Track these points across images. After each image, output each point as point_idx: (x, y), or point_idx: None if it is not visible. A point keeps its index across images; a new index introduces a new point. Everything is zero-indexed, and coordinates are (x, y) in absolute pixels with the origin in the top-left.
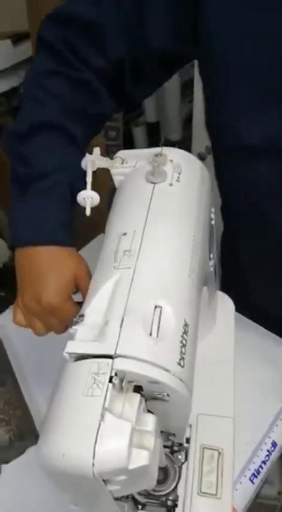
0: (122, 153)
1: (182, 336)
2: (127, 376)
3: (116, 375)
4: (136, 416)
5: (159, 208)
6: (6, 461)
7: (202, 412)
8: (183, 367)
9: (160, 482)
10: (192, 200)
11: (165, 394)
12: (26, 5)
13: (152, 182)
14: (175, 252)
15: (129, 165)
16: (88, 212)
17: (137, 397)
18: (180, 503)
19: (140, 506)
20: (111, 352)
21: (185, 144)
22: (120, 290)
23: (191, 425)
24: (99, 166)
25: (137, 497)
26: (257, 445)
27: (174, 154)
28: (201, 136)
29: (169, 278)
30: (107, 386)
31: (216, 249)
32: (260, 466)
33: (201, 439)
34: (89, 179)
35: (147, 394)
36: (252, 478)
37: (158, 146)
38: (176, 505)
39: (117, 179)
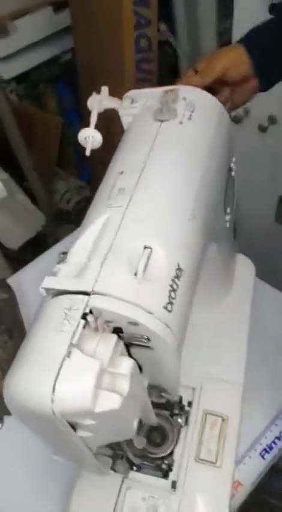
0: (132, 93)
1: (173, 280)
2: (104, 314)
3: (91, 312)
4: (110, 357)
5: (164, 146)
6: (9, 413)
7: (209, 376)
8: (170, 312)
9: (157, 445)
10: (204, 141)
11: (145, 337)
12: None
13: (159, 120)
14: (175, 193)
15: (138, 104)
16: (88, 152)
17: (114, 338)
18: (176, 468)
19: (134, 468)
20: (88, 289)
21: None
22: (109, 229)
23: (194, 389)
24: (107, 107)
25: (132, 457)
26: (272, 419)
27: (188, 92)
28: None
29: (164, 219)
30: (78, 323)
31: (238, 208)
32: (273, 442)
33: (205, 404)
34: (93, 119)
35: (127, 337)
36: (263, 454)
37: None
38: (170, 469)
39: (125, 121)
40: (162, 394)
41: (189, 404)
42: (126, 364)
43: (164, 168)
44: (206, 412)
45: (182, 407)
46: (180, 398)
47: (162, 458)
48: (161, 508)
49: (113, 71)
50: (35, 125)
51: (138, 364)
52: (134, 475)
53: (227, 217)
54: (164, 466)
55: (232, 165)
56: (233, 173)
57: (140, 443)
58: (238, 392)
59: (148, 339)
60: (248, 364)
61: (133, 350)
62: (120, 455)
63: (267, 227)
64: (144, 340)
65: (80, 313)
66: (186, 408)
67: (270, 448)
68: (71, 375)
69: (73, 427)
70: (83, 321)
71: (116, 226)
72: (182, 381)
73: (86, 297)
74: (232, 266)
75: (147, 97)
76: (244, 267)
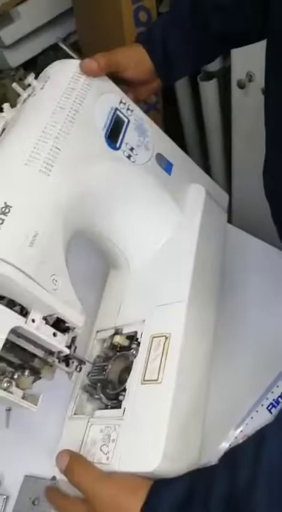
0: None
1: None
2: None
3: None
4: None
5: (13, 123)
6: None
7: (156, 303)
8: None
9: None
10: (52, 101)
11: None
12: None
13: (22, 103)
14: (8, 150)
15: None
16: None
17: None
18: (127, 396)
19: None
20: None
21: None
22: None
23: (144, 320)
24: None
25: (105, 401)
26: (278, 374)
27: (49, 68)
28: (241, 63)
29: None
30: None
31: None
32: (280, 396)
33: (152, 330)
34: None
35: None
36: (270, 408)
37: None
38: (119, 399)
39: None
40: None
41: (141, 335)
42: None
43: (6, 138)
44: (152, 336)
45: (137, 340)
46: (136, 332)
47: (121, 391)
48: (113, 434)
49: (114, 46)
50: None
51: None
52: (97, 413)
53: (126, 153)
54: (120, 398)
55: (123, 107)
56: (127, 114)
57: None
58: (181, 309)
59: None
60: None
61: None
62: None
63: None
64: None
65: None
66: (139, 340)
67: (277, 402)
68: None
69: None
70: None
71: None
72: (133, 316)
73: None
74: (178, 199)
75: None
76: (196, 195)
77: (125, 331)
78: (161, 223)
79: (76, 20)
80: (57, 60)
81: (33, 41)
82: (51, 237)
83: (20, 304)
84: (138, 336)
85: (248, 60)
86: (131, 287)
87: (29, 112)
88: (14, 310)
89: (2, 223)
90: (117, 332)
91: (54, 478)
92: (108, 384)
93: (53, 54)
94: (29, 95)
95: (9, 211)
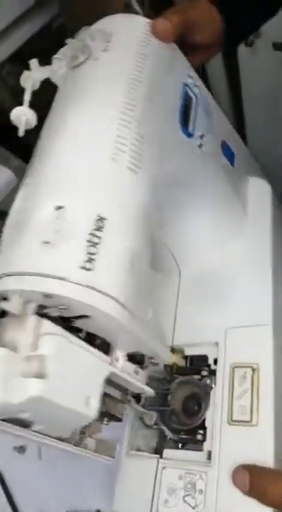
0: (59, 52)
1: (92, 234)
2: (17, 296)
3: (5, 299)
4: (28, 341)
5: (76, 94)
6: None
7: (231, 324)
8: (91, 270)
9: (194, 414)
10: (125, 69)
11: (63, 307)
12: None
13: (73, 67)
14: (88, 139)
15: (64, 61)
16: (21, 133)
17: (30, 319)
18: (209, 436)
19: (180, 445)
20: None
21: None
22: (21, 201)
23: (217, 343)
24: (41, 79)
25: (168, 434)
26: None
27: (105, 22)
28: None
29: (77, 170)
30: None
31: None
32: None
33: (231, 357)
34: (26, 97)
35: (54, 312)
36: None
37: None
38: (204, 439)
39: (59, 83)
40: (152, 361)
41: (215, 362)
42: (47, 344)
43: (75, 119)
44: (233, 365)
45: (209, 367)
46: (206, 357)
47: (197, 427)
48: (199, 483)
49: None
50: None
51: (93, 336)
52: (168, 453)
53: (197, 142)
54: (198, 437)
55: (191, 81)
56: (195, 91)
57: (150, 419)
58: (267, 333)
59: (66, 308)
60: None
61: (81, 323)
62: (162, 434)
63: None
64: (62, 310)
65: None
66: (213, 367)
67: None
68: None
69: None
70: None
71: (27, 195)
72: (204, 337)
73: None
74: (239, 196)
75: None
76: (258, 191)
77: (189, 352)
78: (226, 226)
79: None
80: (43, 46)
81: (15, 31)
82: (144, 256)
83: (100, 338)
84: (210, 360)
85: None
86: (186, 298)
87: (94, 82)
88: (99, 349)
89: (98, 243)
90: (173, 350)
91: (98, 511)
92: (172, 415)
93: (39, 42)
94: (86, 58)
95: (104, 226)
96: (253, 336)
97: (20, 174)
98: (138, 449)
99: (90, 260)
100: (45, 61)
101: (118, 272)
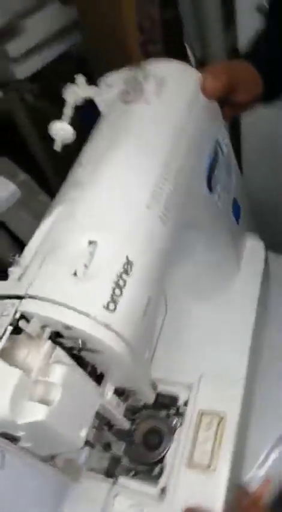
0: (110, 77)
1: (119, 276)
2: (37, 319)
3: (25, 318)
4: (40, 365)
5: (124, 132)
6: None
7: (207, 372)
8: (113, 311)
9: (153, 448)
10: (173, 119)
11: (80, 341)
12: None
13: (125, 102)
14: (129, 182)
15: (114, 89)
16: (58, 147)
17: (45, 344)
18: (167, 473)
19: (131, 473)
20: (21, 293)
21: None
22: (56, 225)
23: (190, 386)
24: (84, 97)
25: (126, 462)
26: None
27: (160, 66)
28: None
29: (113, 210)
30: (5, 329)
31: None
32: None
33: (201, 403)
34: (67, 111)
35: (69, 342)
36: None
37: None
38: (160, 475)
39: (102, 109)
40: (136, 397)
41: (186, 403)
42: (58, 372)
43: (120, 158)
44: (201, 412)
45: (177, 408)
46: (176, 397)
47: (155, 463)
48: None
49: (119, 58)
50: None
51: (94, 368)
52: (124, 481)
53: (215, 197)
54: (155, 472)
55: (222, 139)
56: (224, 149)
57: (119, 448)
58: (239, 387)
59: (84, 343)
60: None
61: (87, 355)
62: (117, 459)
63: None
64: (83, 345)
65: (8, 319)
66: (181, 409)
67: None
68: None
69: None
70: (10, 327)
71: (61, 222)
72: (178, 378)
73: (17, 301)
74: (239, 248)
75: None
76: (254, 249)
77: (161, 388)
78: (221, 278)
79: (83, 31)
80: (63, 70)
81: (40, 52)
82: (155, 303)
83: (93, 366)
84: (179, 402)
85: None
86: (168, 335)
87: (145, 127)
88: (96, 381)
89: (124, 285)
90: None
91: None
92: (132, 445)
93: (60, 65)
94: (137, 96)
95: (131, 270)
96: (225, 386)
97: (25, 188)
98: (91, 469)
99: (113, 301)
100: (63, 83)
101: (134, 317)
